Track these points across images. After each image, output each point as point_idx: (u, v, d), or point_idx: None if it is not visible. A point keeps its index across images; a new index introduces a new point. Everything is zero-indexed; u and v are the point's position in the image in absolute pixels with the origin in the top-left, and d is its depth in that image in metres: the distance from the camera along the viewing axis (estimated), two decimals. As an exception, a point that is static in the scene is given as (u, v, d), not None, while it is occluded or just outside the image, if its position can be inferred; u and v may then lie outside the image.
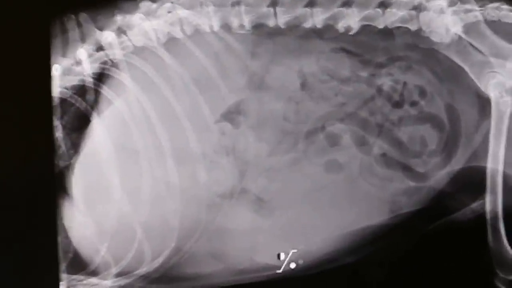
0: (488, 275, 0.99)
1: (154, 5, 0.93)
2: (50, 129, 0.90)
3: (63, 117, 0.91)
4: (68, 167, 0.91)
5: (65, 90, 0.91)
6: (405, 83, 0.98)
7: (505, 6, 0.98)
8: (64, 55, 0.91)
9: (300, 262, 0.96)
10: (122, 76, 0.93)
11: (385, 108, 0.98)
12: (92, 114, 0.92)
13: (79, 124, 0.91)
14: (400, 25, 0.97)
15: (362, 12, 0.96)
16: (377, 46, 0.97)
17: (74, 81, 0.91)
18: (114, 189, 0.93)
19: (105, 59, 0.93)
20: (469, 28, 0.98)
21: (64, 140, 0.91)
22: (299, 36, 0.96)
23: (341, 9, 0.95)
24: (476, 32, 0.98)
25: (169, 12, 0.94)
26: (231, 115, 0.95)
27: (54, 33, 0.89)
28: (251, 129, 0.95)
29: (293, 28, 0.95)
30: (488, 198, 0.98)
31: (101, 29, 0.93)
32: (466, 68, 0.98)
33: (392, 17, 0.97)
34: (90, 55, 0.92)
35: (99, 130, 0.92)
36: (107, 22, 0.92)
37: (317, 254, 0.97)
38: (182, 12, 0.94)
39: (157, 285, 0.94)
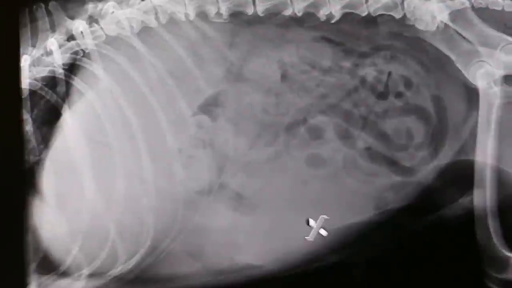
0: (478, 273, 0.98)
1: (127, -7, 0.93)
2: (19, 123, 0.92)
3: (32, 110, 0.93)
4: (38, 163, 0.93)
5: (35, 82, 0.93)
6: (389, 74, 0.98)
7: (493, -7, 0.96)
8: (33, 45, 0.94)
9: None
10: (94, 67, 0.95)
11: (369, 99, 0.98)
12: (63, 107, 0.94)
13: (50, 117, 0.93)
14: (383, 12, 0.98)
15: (344, -1, 0.94)
16: (360, 35, 0.98)
17: (44, 72, 0.94)
18: (86, 186, 0.95)
19: (76, 49, 0.95)
20: (456, 15, 0.98)
21: (34, 135, 0.93)
22: (279, 24, 0.97)
23: (322, -4, 0.95)
24: (463, 19, 0.98)
25: (142, 0, 0.95)
26: (209, 108, 0.96)
27: (22, 22, 0.92)
28: (229, 122, 0.97)
29: (273, 16, 0.97)
30: (477, 193, 0.98)
31: (72, 18, 0.95)
32: (453, 58, 0.98)
33: (375, 5, 0.98)
34: (60, 45, 0.95)
35: (71, 123, 0.94)
36: (78, 11, 0.94)
37: (299, 253, 0.98)
38: (157, 0, 0.96)
39: (132, 286, 0.96)
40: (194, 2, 0.96)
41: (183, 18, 0.96)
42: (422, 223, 0.97)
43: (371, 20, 0.98)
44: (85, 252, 0.94)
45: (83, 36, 0.95)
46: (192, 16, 0.97)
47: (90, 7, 0.95)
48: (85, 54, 0.95)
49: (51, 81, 0.94)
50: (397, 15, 0.98)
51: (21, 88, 0.92)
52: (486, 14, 0.98)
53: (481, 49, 0.98)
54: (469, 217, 0.97)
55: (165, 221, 0.95)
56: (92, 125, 0.95)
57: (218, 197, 0.97)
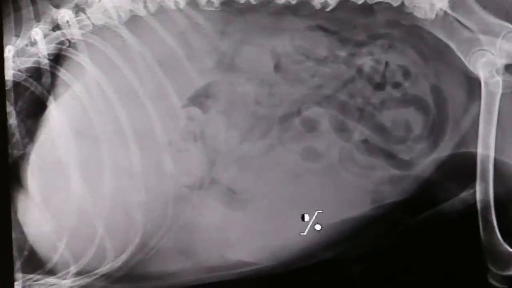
0: (480, 270, 0.96)
1: (115, -19, 0.93)
2: (2, 115, 0.90)
3: (16, 102, 0.92)
4: (23, 157, 0.92)
5: (19, 73, 0.92)
6: (387, 63, 0.97)
7: (495, -22, 0.94)
8: (17, 35, 0.92)
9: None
10: (81, 58, 0.94)
11: (366, 90, 0.97)
12: (48, 99, 0.93)
13: (34, 110, 0.92)
14: (381, 0, 0.96)
15: (340, -13, 0.93)
16: (357, 23, 0.96)
17: (28, 63, 0.92)
18: (72, 181, 0.93)
19: (62, 39, 0.94)
20: (455, 2, 0.96)
21: (18, 128, 0.92)
22: (272, 13, 0.96)
23: (317, -17, 0.93)
24: (463, 7, 0.97)
25: (130, -12, 0.93)
26: (199, 99, 0.95)
27: (6, 11, 0.91)
28: (221, 114, 0.95)
29: (265, 4, 0.96)
30: (478, 187, 0.96)
31: (57, 6, 0.93)
32: (453, 46, 0.97)
33: (372, -8, 0.93)
34: (45, 35, 0.93)
35: (56, 116, 0.93)
36: (64, -1, 0.90)
37: (294, 249, 0.97)
38: (145, -12, 0.93)
39: (121, 284, 0.95)
40: (184, -10, 0.93)
41: (172, 6, 0.95)
42: (421, 218, 0.96)
43: (367, 8, 0.96)
44: (72, 250, 0.93)
45: (69, 25, 0.94)
46: (182, 4, 0.95)
47: (76, -5, 0.91)
48: (71, 44, 0.94)
49: (35, 72, 0.93)
50: (395, 2, 0.96)
51: (5, 79, 0.91)
52: (487, 1, 0.96)
53: (482, 37, 0.97)
54: (471, 212, 0.96)
55: (155, 217, 0.95)
56: (78, 118, 0.94)
57: (210, 192, 0.96)
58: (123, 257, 0.94)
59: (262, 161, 0.96)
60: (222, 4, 0.96)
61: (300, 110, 0.97)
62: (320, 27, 0.97)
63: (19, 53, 0.93)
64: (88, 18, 0.94)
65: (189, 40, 0.95)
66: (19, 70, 0.92)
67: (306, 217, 0.97)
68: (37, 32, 0.93)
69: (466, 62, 0.97)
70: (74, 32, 0.94)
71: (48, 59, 0.93)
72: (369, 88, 0.97)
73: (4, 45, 0.91)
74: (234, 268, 0.97)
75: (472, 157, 0.97)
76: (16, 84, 0.92)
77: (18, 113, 0.92)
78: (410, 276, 0.97)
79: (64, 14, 0.94)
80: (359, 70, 0.97)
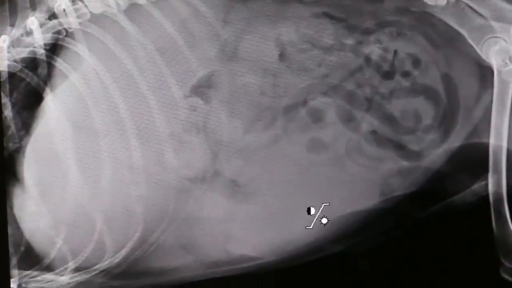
0: (493, 265, 0.95)
1: (113, -33, 0.91)
2: (-3, 107, 0.86)
3: (12, 93, 0.91)
4: (19, 150, 0.91)
5: (14, 64, 0.91)
6: (396, 52, 0.95)
7: (509, -38, 0.93)
8: (12, 24, 0.91)
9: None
10: (78, 47, 0.93)
11: (374, 79, 0.95)
12: (45, 90, 0.91)
13: (30, 101, 0.91)
14: None
15: (347, -28, 0.92)
16: (364, 10, 0.95)
17: (24, 53, 0.91)
18: (70, 174, 0.92)
19: (59, 28, 0.92)
20: None
21: (13, 120, 0.91)
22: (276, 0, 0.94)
23: (323, -32, 0.92)
24: None
25: (129, -26, 0.92)
26: (201, 89, 0.94)
27: (0, 0, 0.89)
28: (224, 104, 0.94)
29: None
30: (491, 179, 0.94)
31: (53, -6, 0.90)
32: (465, 34, 0.95)
33: (380, -23, 0.92)
34: (41, 24, 0.92)
35: (53, 107, 0.92)
36: (60, -13, 0.90)
37: (300, 243, 0.95)
38: (144, -26, 0.92)
39: (120, 281, 0.94)
40: (185, -24, 0.92)
41: (173, -7, 0.93)
42: (431, 211, 0.95)
43: (375, -6, 0.94)
44: (70, 245, 0.92)
45: (65, 14, 0.92)
46: (183, -9, 0.94)
47: (73, -18, 0.90)
48: (68, 34, 0.92)
49: (31, 63, 0.91)
50: (404, -12, 0.94)
51: (0, 70, 0.90)
52: (500, -14, 0.94)
53: (495, 24, 0.95)
54: (483, 205, 0.95)
55: (155, 211, 0.93)
56: (76, 109, 0.92)
57: (212, 185, 0.94)
58: (123, 252, 0.93)
59: (266, 152, 0.95)
60: (224, -10, 0.93)
61: (306, 100, 0.95)
62: (326, 14, 0.95)
63: (14, 43, 0.91)
64: (86, 6, 0.93)
65: (190, 29, 0.94)
66: (15, 61, 0.91)
67: (312, 210, 0.95)
68: (32, 21, 0.92)
69: (478, 50, 0.95)
70: (71, 21, 0.92)
71: (45, 49, 0.91)
72: (377, 77, 0.95)
73: (-1, 35, 0.88)
74: (238, 263, 0.95)
75: (484, 148, 0.95)
76: (11, 75, 0.91)
77: (13, 105, 0.91)
78: (419, 271, 0.96)
79: (61, 3, 0.92)
80: (367, 59, 0.95)
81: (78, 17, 0.93)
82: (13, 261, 0.91)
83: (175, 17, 0.94)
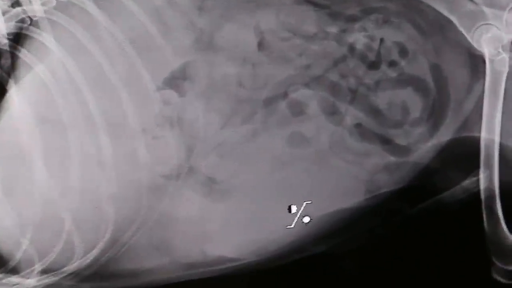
0: (484, 265, 0.95)
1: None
2: (-43, 100, 0.86)
3: None
4: None
5: None
6: (382, 40, 0.94)
7: None
8: None
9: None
10: (44, 37, 0.90)
11: (359, 70, 0.94)
12: (8, 82, 0.90)
13: None
14: None
15: (330, -44, 0.92)
16: None
17: None
18: (37, 171, 0.90)
19: (23, 16, 0.90)
20: None
21: None
22: (255, -15, 0.92)
23: (304, -48, 0.92)
24: None
25: (98, -41, 0.91)
26: (176, 81, 0.92)
27: None
28: (199, 97, 0.92)
29: None
30: (482, 174, 0.94)
31: (16, -20, 0.90)
32: (455, 20, 0.94)
33: (364, -39, 0.93)
34: (4, 12, 0.89)
35: (18, 101, 0.90)
36: (24, -28, 0.89)
37: (281, 243, 0.94)
38: (114, -41, 0.91)
39: (90, 283, 0.93)
40: (158, -39, 0.91)
41: (145, -21, 0.92)
42: (419, 209, 0.95)
43: (360, -21, 0.93)
44: (36, 246, 0.90)
45: (30, 1, 0.89)
46: (156, -23, 0.93)
47: (37, -33, 0.89)
48: (33, 22, 0.89)
49: None
50: (390, -28, 0.93)
51: None
52: (492, -30, 0.93)
53: (487, 10, 0.94)
54: (474, 202, 0.95)
55: (128, 210, 0.92)
56: (42, 102, 0.90)
57: (188, 182, 0.92)
58: (93, 253, 0.92)
59: (245, 148, 0.94)
60: (199, -24, 0.92)
61: (286, 92, 0.94)
62: (308, 1, 0.94)
63: (-25, 33, 0.89)
64: (52, -8, 0.90)
65: (164, 17, 0.92)
66: (-25, 51, 0.89)
67: (294, 209, 0.94)
68: (-6, 9, 0.89)
69: (469, 38, 0.94)
70: (36, 9, 0.90)
71: (8, 38, 0.89)
72: (362, 68, 0.94)
73: (-42, 24, 0.88)
74: (215, 265, 0.94)
75: (476, 142, 0.95)
76: (-28, 66, 0.88)
77: (-25, 98, 0.88)
78: (407, 272, 0.96)
79: (25, -11, 0.89)
80: (351, 48, 0.94)
81: (43, 4, 0.90)
82: (-24, 263, 0.89)
83: (148, 5, 0.92)
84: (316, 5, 0.94)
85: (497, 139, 0.94)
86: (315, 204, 0.95)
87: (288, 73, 0.94)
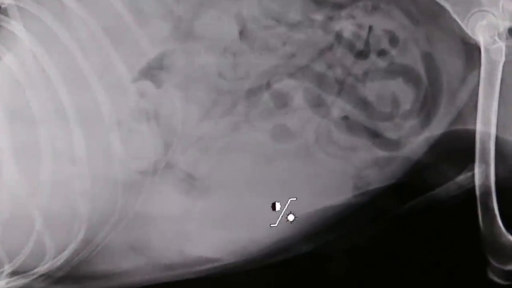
0: (479, 264, 0.94)
1: None
2: None
3: None
4: None
5: None
6: (370, 28, 0.93)
7: None
8: None
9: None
10: (13, 25, 0.89)
11: (347, 59, 0.93)
12: None
13: None
14: None
15: None
16: None
17: None
18: (5, 167, 0.89)
19: None
20: None
21: None
22: (236, -30, 0.92)
23: None
24: None
25: None
26: (153, 72, 0.91)
27: None
28: (177, 88, 0.91)
29: None
30: (477, 170, 0.94)
31: (-17, -35, 0.89)
32: (448, 7, 0.93)
33: None
34: None
35: None
36: (-9, -44, 0.89)
37: (264, 243, 0.94)
38: None
39: (62, 285, 0.91)
40: None
41: (120, -37, 0.92)
42: (411, 206, 0.95)
43: (347, -37, 0.93)
44: (5, 246, 0.89)
45: None
46: (131, -38, 0.92)
47: (5, -50, 0.89)
48: (1, 10, 0.88)
49: None
50: (379, -44, 0.93)
51: None
52: (487, -48, 0.93)
53: None
54: (469, 198, 0.95)
55: (102, 208, 0.90)
56: (10, 94, 0.89)
57: (165, 178, 0.91)
58: (65, 254, 0.90)
59: (226, 142, 0.93)
60: (177, -40, 0.93)
61: (269, 83, 0.93)
62: None
63: None
64: (21, -22, 0.90)
65: (140, 4, 0.91)
66: None
67: (278, 206, 0.93)
68: (-41, -4, 0.89)
69: (463, 26, 0.94)
70: None
71: None
72: (350, 57, 0.94)
73: None
74: (195, 266, 0.94)
75: (470, 135, 0.94)
76: None
77: None
78: (399, 272, 0.96)
79: (-8, -26, 0.90)
80: (338, 36, 0.93)
81: (12, -9, 0.90)
82: None
83: (123, -9, 0.92)
84: (301, -9, 0.94)
85: (493, 132, 0.94)
86: (300, 201, 0.94)
87: (272, 63, 0.93)
